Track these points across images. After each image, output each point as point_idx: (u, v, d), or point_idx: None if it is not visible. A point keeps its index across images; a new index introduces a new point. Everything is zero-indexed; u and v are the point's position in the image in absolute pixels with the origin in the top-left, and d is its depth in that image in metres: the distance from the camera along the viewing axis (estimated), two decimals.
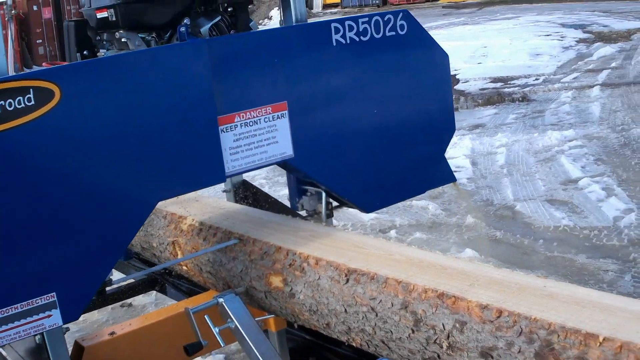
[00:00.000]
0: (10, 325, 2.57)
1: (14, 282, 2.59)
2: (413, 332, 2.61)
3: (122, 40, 3.52)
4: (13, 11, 18.21)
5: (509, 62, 19.25)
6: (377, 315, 2.74)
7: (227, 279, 3.51)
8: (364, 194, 3.67)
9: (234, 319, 3.25)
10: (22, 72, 2.90)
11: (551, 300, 2.41)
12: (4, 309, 2.56)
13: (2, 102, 2.49)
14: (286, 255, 3.16)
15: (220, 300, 3.31)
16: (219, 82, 3.04)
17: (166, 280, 4.56)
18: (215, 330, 3.18)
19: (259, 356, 3.24)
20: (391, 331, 2.70)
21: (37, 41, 23.55)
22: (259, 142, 3.23)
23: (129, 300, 6.30)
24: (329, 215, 3.82)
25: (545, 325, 2.26)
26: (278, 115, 3.26)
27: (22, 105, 2.52)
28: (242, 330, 3.26)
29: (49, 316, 2.66)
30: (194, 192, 3.87)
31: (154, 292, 5.09)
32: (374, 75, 3.58)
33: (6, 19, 17.11)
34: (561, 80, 16.36)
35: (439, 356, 2.55)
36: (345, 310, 2.87)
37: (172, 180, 2.97)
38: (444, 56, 3.85)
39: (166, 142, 2.91)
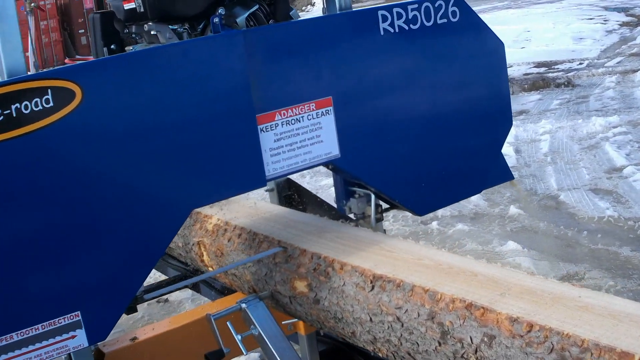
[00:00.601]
0: (31, 347, 2.39)
1: (34, 300, 2.41)
2: (440, 344, 2.48)
3: (152, 32, 3.25)
4: (33, 4, 17.58)
5: (552, 46, 18.94)
6: (402, 325, 2.61)
7: (252, 282, 3.39)
8: (416, 195, 3.39)
9: (257, 325, 3.14)
10: (40, 71, 2.74)
11: (586, 312, 2.26)
12: (23, 330, 2.38)
13: (18, 104, 2.27)
14: (310, 259, 3.04)
15: (243, 305, 3.20)
16: (257, 77, 2.81)
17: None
18: (238, 338, 3.06)
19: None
20: (417, 343, 2.57)
21: (80, 31, 23.61)
22: (302, 141, 2.98)
23: (165, 296, 6.22)
24: (379, 219, 3.53)
25: (578, 342, 2.11)
26: (323, 111, 3.01)
27: (40, 107, 2.31)
28: (265, 338, 3.15)
29: (74, 337, 2.48)
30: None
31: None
32: (425, 67, 3.31)
33: (25, 11, 16.48)
34: (605, 65, 16.05)
35: None
36: (371, 319, 2.74)
37: (207, 185, 2.75)
38: (499, 44, 3.58)
39: (200, 145, 2.69)
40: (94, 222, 2.49)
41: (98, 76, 2.46)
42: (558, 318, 2.25)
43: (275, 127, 2.90)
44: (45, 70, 2.67)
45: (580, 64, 16.56)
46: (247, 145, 2.81)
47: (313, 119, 2.99)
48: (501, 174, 3.76)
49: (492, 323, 2.33)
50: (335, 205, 3.83)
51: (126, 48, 3.43)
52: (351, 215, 3.60)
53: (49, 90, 2.33)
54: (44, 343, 2.42)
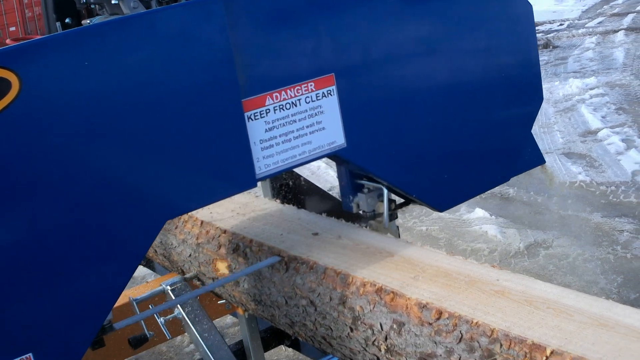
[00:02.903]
0: None
1: None
2: (352, 330, 2.30)
3: (113, 1, 2.77)
4: None
5: (534, 7, 18.74)
6: (316, 309, 2.44)
7: (178, 263, 3.22)
8: (436, 188, 2.87)
9: (179, 307, 2.98)
10: None
11: (501, 297, 2.08)
12: None
13: None
14: (230, 240, 2.87)
15: (167, 287, 3.04)
16: (242, 53, 2.25)
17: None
18: (160, 321, 2.89)
19: (207, 349, 2.99)
20: (331, 328, 2.39)
21: None
22: (300, 130, 2.44)
23: None
24: (393, 216, 2.95)
25: (488, 331, 1.93)
26: (324, 92, 2.46)
27: None
28: (188, 321, 3.00)
29: None
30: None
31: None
32: (444, 36, 2.77)
33: None
34: (586, 25, 15.96)
35: (378, 359, 2.24)
36: (286, 302, 2.57)
37: (184, 191, 2.20)
38: (527, 5, 3.03)
39: (172, 141, 2.15)
40: (43, 240, 1.99)
41: (39, 61, 1.94)
42: (470, 304, 2.07)
43: (266, 113, 2.36)
44: None
45: (561, 24, 16.43)
46: (231, 137, 2.28)
47: (312, 101, 2.46)
48: (532, 157, 3.23)
49: (402, 309, 2.15)
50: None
51: (83, 22, 2.92)
52: (360, 213, 2.99)
53: None
54: None
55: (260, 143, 2.34)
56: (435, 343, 2.04)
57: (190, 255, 3.10)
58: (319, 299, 2.42)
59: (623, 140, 8.45)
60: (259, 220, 2.99)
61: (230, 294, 2.96)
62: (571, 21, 16.49)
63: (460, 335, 1.98)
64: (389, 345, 2.17)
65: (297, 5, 2.41)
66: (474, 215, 6.93)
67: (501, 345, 1.89)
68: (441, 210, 2.94)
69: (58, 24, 2.97)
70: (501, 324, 1.94)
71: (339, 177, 2.93)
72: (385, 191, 2.82)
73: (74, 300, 2.05)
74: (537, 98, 3.13)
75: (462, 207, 7.07)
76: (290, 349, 3.95)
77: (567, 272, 5.81)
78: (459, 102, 2.83)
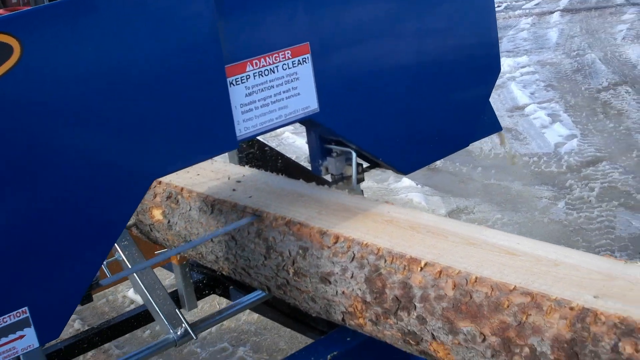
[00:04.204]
0: None
1: None
2: (265, 259, 2.65)
3: None
4: None
5: None
6: (236, 243, 2.78)
7: None
8: (401, 152, 3.05)
9: (120, 251, 3.28)
10: None
11: (390, 225, 2.45)
12: None
13: None
14: (164, 190, 3.20)
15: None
16: (226, 21, 2.39)
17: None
18: (103, 264, 3.20)
19: (144, 288, 3.28)
20: (249, 259, 2.74)
21: None
22: (277, 95, 2.59)
23: None
24: (360, 179, 3.13)
25: (375, 250, 2.30)
26: (299, 60, 2.62)
27: None
28: (127, 262, 3.30)
29: (22, 337, 2.11)
30: None
31: None
32: (410, 12, 2.93)
33: None
34: (523, 7, 16.35)
35: (288, 282, 2.60)
36: (212, 239, 2.91)
37: (171, 150, 2.33)
38: None
39: (161, 103, 2.28)
40: (40, 199, 2.08)
41: (40, 26, 2.01)
42: (363, 230, 2.43)
43: (247, 79, 2.50)
44: None
45: (498, 6, 16.80)
46: (215, 101, 2.41)
47: (289, 68, 2.61)
48: (489, 125, 3.45)
49: (306, 237, 2.51)
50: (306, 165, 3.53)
51: None
52: (328, 177, 3.22)
53: None
54: None
55: (241, 107, 2.49)
56: (333, 263, 2.40)
57: None
58: (238, 234, 2.77)
59: (549, 115, 8.86)
60: (191, 172, 3.32)
61: (164, 237, 3.29)
62: (509, 3, 16.91)
63: (353, 255, 2.35)
64: (296, 269, 2.53)
65: None
66: (401, 184, 7.27)
67: (385, 260, 2.26)
68: (405, 173, 3.15)
69: None
70: (387, 244, 2.31)
71: (309, 142, 3.14)
72: (354, 154, 3.01)
73: (68, 258, 2.15)
74: (494, 70, 3.32)
75: (390, 177, 7.41)
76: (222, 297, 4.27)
77: None
78: (423, 72, 3.02)
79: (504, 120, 8.75)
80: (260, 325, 5.25)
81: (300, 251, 2.51)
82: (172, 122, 2.30)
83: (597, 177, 7.06)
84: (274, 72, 2.57)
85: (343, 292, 2.38)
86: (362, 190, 3.15)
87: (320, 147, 3.08)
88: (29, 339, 2.12)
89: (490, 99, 3.28)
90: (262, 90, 2.55)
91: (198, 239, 2.96)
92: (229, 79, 2.43)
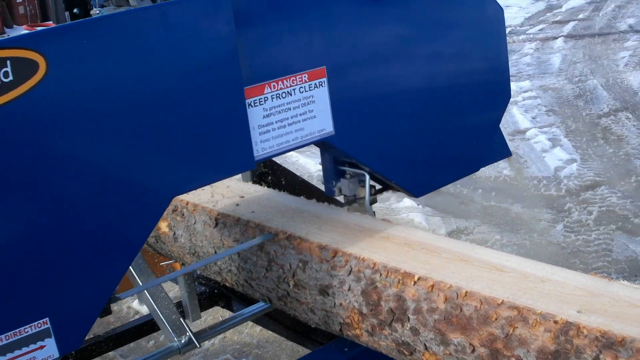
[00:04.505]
0: None
1: None
2: (267, 271, 2.77)
3: None
4: None
5: None
6: (239, 256, 2.89)
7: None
8: (413, 175, 3.10)
9: None
10: None
11: (386, 241, 2.57)
12: None
13: None
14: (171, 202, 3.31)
15: None
16: (246, 44, 2.45)
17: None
18: None
19: (149, 297, 3.38)
20: (251, 271, 2.85)
21: (17, 0, 23.29)
22: (294, 117, 2.65)
23: None
24: (373, 201, 3.18)
25: (371, 264, 2.42)
26: (316, 83, 2.68)
27: None
28: (135, 274, 3.40)
29: (42, 347, 2.13)
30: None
31: None
32: (422, 35, 3.01)
33: None
34: (527, 32, 16.48)
35: (288, 294, 2.71)
36: (215, 251, 3.03)
37: (191, 169, 2.38)
38: (498, 10, 3.27)
39: (182, 122, 2.32)
40: (62, 215, 2.12)
41: (65, 44, 2.07)
42: (360, 246, 2.55)
43: (265, 101, 2.56)
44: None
45: None
46: (234, 122, 2.46)
47: (305, 91, 2.67)
48: (499, 150, 3.48)
49: (306, 250, 2.62)
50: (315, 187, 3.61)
51: (92, 12, 3.03)
52: (340, 198, 3.26)
53: (8, 62, 1.95)
54: (9, 356, 2.09)
55: (259, 128, 2.54)
56: (332, 276, 2.51)
57: None
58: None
59: (549, 139, 8.95)
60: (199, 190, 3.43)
61: (170, 249, 3.41)
62: (513, 27, 17.04)
63: (350, 268, 2.47)
64: (296, 281, 2.65)
65: (294, 4, 2.63)
66: (402, 204, 7.37)
67: (381, 274, 2.38)
68: (417, 196, 3.17)
69: (67, 13, 3.07)
70: (382, 259, 2.43)
71: (323, 163, 3.17)
72: (367, 177, 3.04)
73: (90, 271, 2.19)
74: (505, 96, 3.38)
75: (392, 198, 7.51)
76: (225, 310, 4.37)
77: None
78: (435, 97, 3.07)
79: None
80: (262, 338, 5.34)
81: (300, 264, 2.62)
82: (192, 141, 2.34)
83: (595, 201, 7.14)
84: (291, 95, 2.62)
85: (341, 304, 2.49)
86: (374, 212, 3.19)
87: (334, 168, 3.13)
88: (49, 349, 2.14)
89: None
90: (280, 112, 2.60)
91: (212, 256, 3.02)
92: (247, 101, 2.48)
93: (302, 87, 2.64)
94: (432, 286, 2.24)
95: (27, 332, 2.08)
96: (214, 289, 4.14)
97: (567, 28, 16.38)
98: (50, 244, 2.09)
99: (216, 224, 3.03)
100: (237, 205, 3.11)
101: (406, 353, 2.35)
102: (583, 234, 6.52)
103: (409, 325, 2.28)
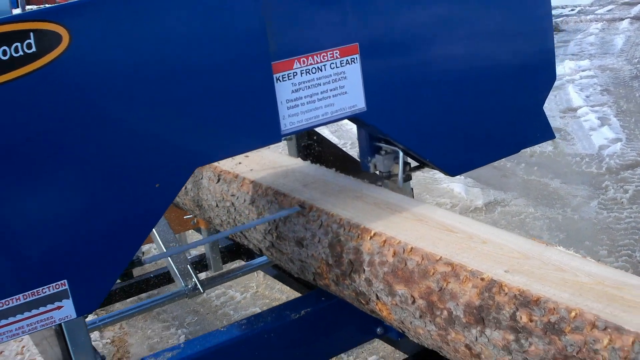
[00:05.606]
0: (11, 319, 2.10)
1: (13, 267, 2.09)
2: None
3: None
4: None
5: None
6: (235, 209, 3.16)
7: None
8: (448, 154, 3.04)
9: None
10: (22, 12, 2.31)
11: (358, 200, 2.80)
12: (2, 301, 2.08)
13: None
14: None
15: None
16: (273, 19, 2.42)
17: None
18: None
19: (162, 244, 3.68)
20: (244, 223, 3.11)
21: None
22: (324, 93, 2.61)
23: None
24: (407, 178, 3.18)
25: (338, 220, 2.65)
26: (347, 60, 2.63)
27: (21, 52, 1.96)
28: (154, 230, 3.69)
29: (59, 307, 2.17)
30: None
31: None
32: (461, 11, 2.91)
33: None
34: (595, 12, 16.37)
35: (273, 245, 2.96)
36: (217, 205, 3.30)
37: (215, 141, 2.38)
38: None
39: (206, 95, 2.32)
40: (84, 180, 2.14)
41: (89, 17, 2.07)
42: (333, 203, 2.79)
43: (294, 76, 2.53)
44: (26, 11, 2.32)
45: (572, 10, 16.88)
46: (260, 95, 2.45)
47: (337, 67, 2.62)
48: (542, 132, 3.35)
49: (287, 206, 2.87)
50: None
51: None
52: (376, 173, 3.25)
53: (31, 34, 1.97)
54: (26, 314, 2.13)
55: (287, 102, 2.52)
56: (306, 229, 2.76)
57: None
58: (237, 201, 3.15)
59: (599, 118, 9.02)
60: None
61: (183, 201, 3.69)
62: (582, 7, 16.94)
63: (321, 223, 2.71)
64: (279, 233, 2.90)
65: None
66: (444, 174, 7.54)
67: (344, 229, 2.61)
68: (452, 175, 3.13)
69: None
70: (348, 216, 2.66)
71: (359, 139, 3.22)
72: (401, 154, 3.06)
73: (110, 236, 2.20)
74: (550, 76, 3.26)
75: None
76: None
77: (516, 226, 6.43)
78: (474, 75, 2.98)
79: (556, 121, 8.94)
80: (292, 295, 5.57)
81: (282, 218, 2.87)
82: (217, 113, 2.34)
83: (633, 180, 7.23)
84: (321, 71, 2.58)
85: (312, 255, 2.73)
86: (412, 189, 3.25)
87: (369, 144, 3.16)
88: (67, 309, 2.17)
89: (547, 100, 3.32)
90: (309, 87, 2.57)
91: (242, 225, 3.13)
92: (275, 75, 2.46)
93: (333, 63, 2.60)
94: (385, 241, 2.46)
95: (45, 292, 2.12)
96: (238, 244, 4.42)
97: (635, 10, 16.25)
98: (71, 207, 2.12)
99: (218, 180, 3.29)
100: (239, 163, 3.36)
101: (363, 302, 2.58)
102: (615, 212, 6.63)
103: (364, 277, 2.50)
